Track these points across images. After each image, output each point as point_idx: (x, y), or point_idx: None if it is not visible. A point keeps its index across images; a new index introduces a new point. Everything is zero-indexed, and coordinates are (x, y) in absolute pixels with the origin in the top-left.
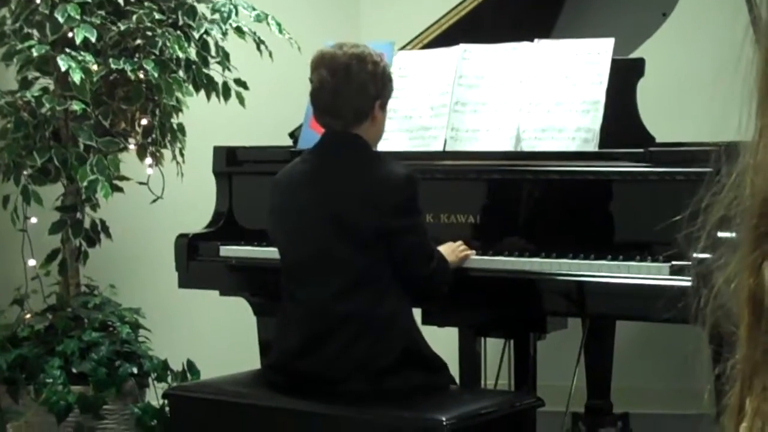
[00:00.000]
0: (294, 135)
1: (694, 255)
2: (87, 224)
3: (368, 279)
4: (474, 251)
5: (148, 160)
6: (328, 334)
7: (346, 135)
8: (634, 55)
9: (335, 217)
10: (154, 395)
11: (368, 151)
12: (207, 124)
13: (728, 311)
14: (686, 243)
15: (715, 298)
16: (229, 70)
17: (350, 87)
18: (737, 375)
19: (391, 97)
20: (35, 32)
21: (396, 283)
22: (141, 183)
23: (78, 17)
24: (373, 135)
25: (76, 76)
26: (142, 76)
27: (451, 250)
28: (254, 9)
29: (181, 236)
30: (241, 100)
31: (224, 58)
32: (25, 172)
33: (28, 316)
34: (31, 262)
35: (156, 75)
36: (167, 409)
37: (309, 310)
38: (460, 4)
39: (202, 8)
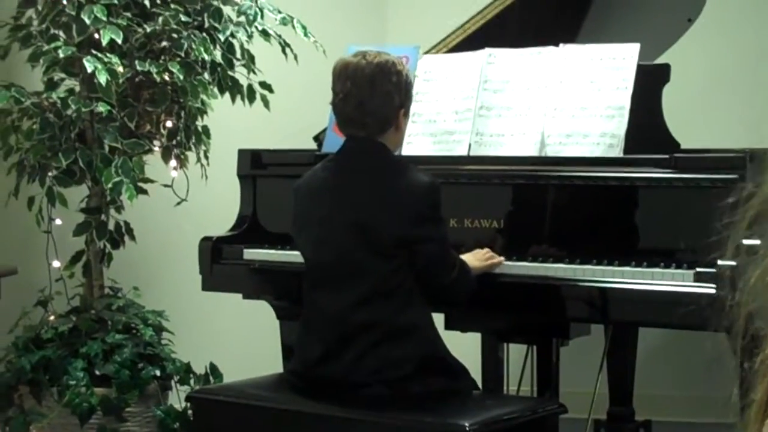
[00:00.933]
0: (318, 138)
1: (719, 262)
2: (111, 226)
3: (389, 287)
4: (503, 258)
5: (173, 163)
6: (348, 341)
7: (369, 142)
8: (659, 60)
9: (357, 225)
10: (177, 398)
11: (391, 158)
12: (232, 126)
13: (759, 308)
14: (720, 246)
15: (748, 292)
16: (254, 72)
17: (375, 99)
18: (766, 370)
19: (412, 101)
20: (61, 33)
21: (417, 291)
22: (165, 185)
23: (104, 19)
24: (395, 141)
25: (102, 78)
26: (167, 78)
27: (476, 258)
28: (280, 12)
29: (205, 239)
30: (265, 103)
31: (249, 60)
32: (50, 174)
33: (51, 317)
34: (56, 264)
35: (181, 77)
36: (190, 412)
37: (330, 317)
38: (485, 8)
39: (227, 11)
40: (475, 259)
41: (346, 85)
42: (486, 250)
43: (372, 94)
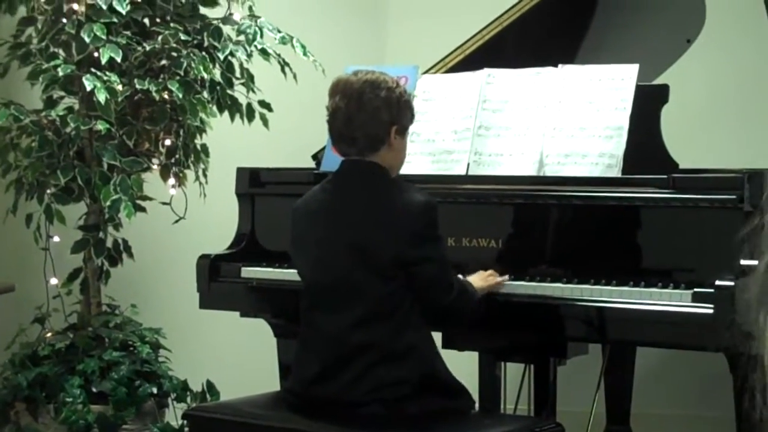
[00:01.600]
0: (317, 157)
1: (717, 282)
2: (109, 244)
3: (388, 308)
4: (507, 277)
5: (171, 181)
6: (346, 362)
7: (363, 163)
8: (658, 81)
9: (354, 246)
10: (174, 415)
11: (385, 178)
12: (230, 145)
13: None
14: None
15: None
16: (253, 91)
17: (362, 113)
18: None
19: (411, 122)
20: (61, 51)
21: (416, 311)
22: (164, 203)
23: (104, 37)
24: (391, 161)
25: (101, 96)
26: (166, 96)
27: (481, 278)
28: (279, 31)
29: (202, 257)
30: (264, 122)
31: (249, 79)
32: (48, 191)
33: (49, 334)
34: (53, 281)
35: (180, 96)
36: (186, 429)
37: (327, 337)
38: (484, 28)
39: (227, 30)
40: (479, 279)
41: (335, 101)
42: (490, 271)
43: (359, 108)
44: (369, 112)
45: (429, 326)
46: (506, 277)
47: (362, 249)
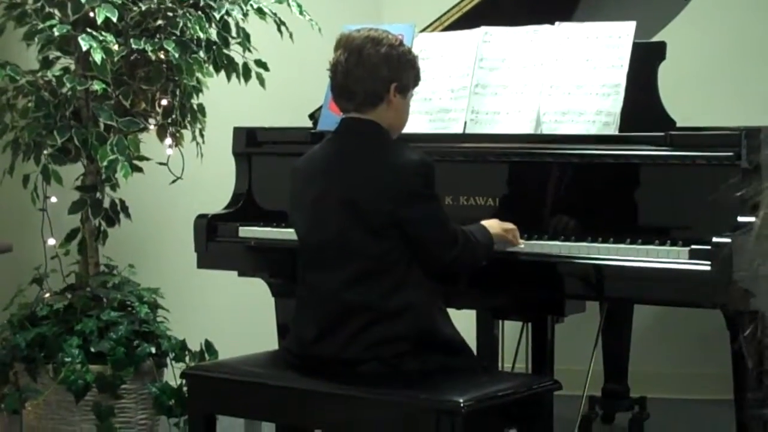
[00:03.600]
0: (314, 116)
1: (714, 239)
2: (107, 204)
3: (383, 267)
4: (523, 244)
5: (168, 141)
6: (342, 320)
7: (362, 122)
8: (655, 38)
9: (351, 205)
10: (172, 375)
11: (382, 137)
12: (227, 104)
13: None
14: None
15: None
16: (249, 51)
17: (361, 67)
18: None
19: (416, 84)
20: (56, 12)
21: (414, 269)
22: (161, 163)
23: None
24: (390, 120)
25: (97, 56)
26: (162, 56)
27: (501, 227)
28: None
29: (200, 217)
30: (261, 81)
31: (245, 39)
32: (45, 152)
33: (47, 295)
34: (51, 242)
35: (177, 55)
36: (185, 388)
37: (323, 296)
38: None
39: None
40: (499, 226)
41: (337, 54)
42: (514, 226)
43: (358, 62)
44: (368, 67)
45: (433, 283)
46: (523, 244)
47: (357, 208)
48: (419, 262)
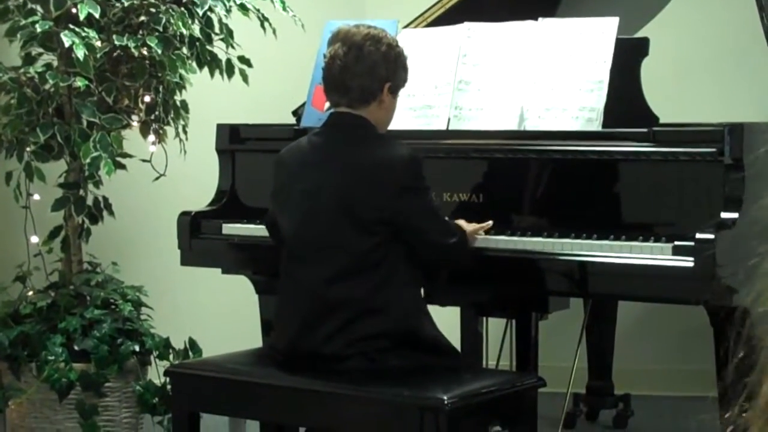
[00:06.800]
0: (297, 113)
1: (697, 235)
2: (90, 201)
3: (367, 264)
4: (490, 222)
5: (151, 138)
6: (323, 316)
7: (351, 116)
8: (638, 34)
9: (338, 200)
10: (156, 373)
11: (371, 132)
12: (210, 101)
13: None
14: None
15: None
16: (232, 47)
17: (360, 65)
18: None
19: (404, 85)
20: (39, 8)
21: (401, 268)
22: (144, 160)
23: None
24: (378, 118)
25: (80, 53)
26: (145, 52)
27: (466, 224)
28: None
29: (183, 214)
30: (244, 78)
31: (228, 35)
32: (28, 149)
33: (30, 293)
34: (34, 239)
35: (159, 52)
36: (169, 386)
37: (306, 291)
38: None
39: None
40: (465, 224)
41: (335, 48)
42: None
43: (357, 59)
44: (367, 65)
45: (418, 286)
46: (490, 222)
47: (345, 203)
48: (418, 253)
